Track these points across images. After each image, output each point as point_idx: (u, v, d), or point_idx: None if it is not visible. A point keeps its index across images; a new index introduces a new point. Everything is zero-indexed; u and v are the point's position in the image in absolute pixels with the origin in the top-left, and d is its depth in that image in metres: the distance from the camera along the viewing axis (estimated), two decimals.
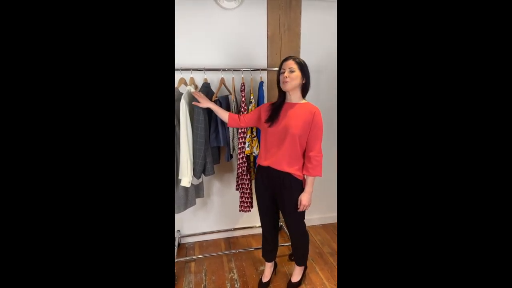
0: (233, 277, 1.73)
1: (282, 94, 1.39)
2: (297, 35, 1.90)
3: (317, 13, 1.89)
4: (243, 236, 2.16)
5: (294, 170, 1.36)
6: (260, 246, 1.68)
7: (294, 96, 1.37)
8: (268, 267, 1.66)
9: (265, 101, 1.90)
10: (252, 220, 2.17)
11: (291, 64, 1.31)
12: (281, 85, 1.34)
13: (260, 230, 2.19)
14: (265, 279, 1.65)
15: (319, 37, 1.93)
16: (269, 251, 1.63)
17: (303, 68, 1.32)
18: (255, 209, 2.11)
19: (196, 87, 1.68)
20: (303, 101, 1.39)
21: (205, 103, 1.51)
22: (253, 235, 2.17)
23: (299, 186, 1.39)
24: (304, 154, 1.38)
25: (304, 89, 1.37)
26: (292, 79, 1.30)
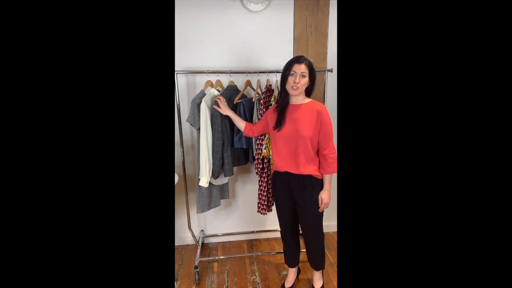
0: (255, 280, 1.72)
1: (286, 96, 1.34)
2: (325, 35, 1.86)
3: None
4: (266, 239, 2.15)
5: (313, 171, 1.34)
6: (282, 251, 1.66)
7: (298, 98, 1.33)
8: (292, 273, 1.63)
9: None
10: (276, 223, 2.14)
11: (304, 69, 1.25)
12: (289, 88, 1.28)
13: None
14: (288, 284, 1.62)
15: None
16: (291, 257, 1.60)
17: (312, 72, 1.29)
18: (274, 213, 2.09)
19: (222, 89, 1.71)
20: (307, 100, 1.35)
21: (225, 110, 1.53)
22: (275, 239, 2.14)
23: (320, 185, 1.36)
24: (318, 153, 1.35)
25: (308, 91, 1.34)
26: (302, 85, 1.26)
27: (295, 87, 1.26)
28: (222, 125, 1.56)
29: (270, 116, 1.41)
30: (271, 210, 1.76)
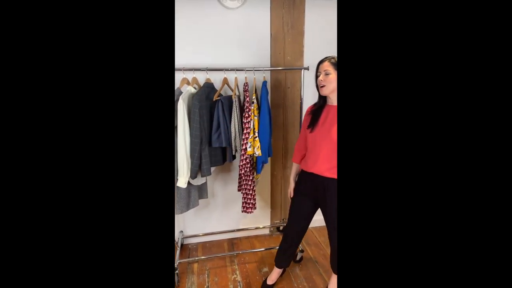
0: (236, 279, 1.71)
1: (322, 97, 1.34)
2: (301, 34, 1.88)
3: (320, 12, 1.86)
4: (246, 237, 2.15)
5: (336, 175, 1.29)
6: (264, 248, 1.66)
7: (335, 98, 1.29)
8: (276, 272, 1.62)
9: (269, 100, 1.88)
10: (256, 221, 2.15)
11: (326, 66, 1.24)
12: (319, 89, 1.30)
13: (263, 231, 2.19)
14: (270, 282, 1.62)
15: (323, 36, 1.91)
16: (285, 258, 1.58)
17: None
18: (258, 210, 2.10)
19: (199, 87, 1.67)
20: None
21: (292, 188, 1.51)
22: (256, 236, 2.15)
23: None
24: None
25: None
26: (329, 82, 1.24)
27: (321, 85, 1.27)
28: (200, 122, 1.52)
29: (307, 116, 1.40)
30: (255, 208, 1.76)
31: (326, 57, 1.29)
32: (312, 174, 1.35)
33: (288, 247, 1.56)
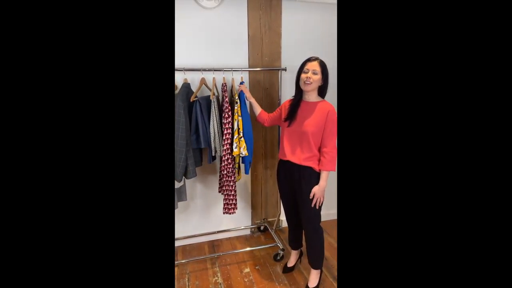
0: (217, 281, 1.69)
1: (299, 93, 1.42)
2: (278, 35, 1.90)
3: (297, 14, 1.90)
4: (227, 239, 2.13)
5: (312, 164, 1.40)
6: (244, 249, 1.68)
7: (311, 96, 1.40)
8: (294, 254, 1.74)
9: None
10: (237, 221, 2.14)
11: (316, 66, 1.33)
12: (302, 85, 1.37)
13: (244, 232, 2.19)
14: (290, 264, 1.74)
15: (300, 37, 1.94)
16: (293, 239, 1.71)
17: (324, 70, 1.36)
18: (239, 211, 2.09)
19: (176, 87, 1.64)
20: (320, 99, 1.42)
21: (250, 97, 1.67)
22: (237, 237, 2.14)
23: (318, 179, 1.41)
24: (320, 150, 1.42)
25: (321, 89, 1.41)
26: (315, 81, 1.34)
27: (308, 82, 1.34)
28: (185, 123, 1.50)
29: (285, 108, 1.49)
30: (237, 208, 1.76)
31: (314, 57, 1.36)
32: (289, 162, 1.46)
33: (291, 229, 1.68)
